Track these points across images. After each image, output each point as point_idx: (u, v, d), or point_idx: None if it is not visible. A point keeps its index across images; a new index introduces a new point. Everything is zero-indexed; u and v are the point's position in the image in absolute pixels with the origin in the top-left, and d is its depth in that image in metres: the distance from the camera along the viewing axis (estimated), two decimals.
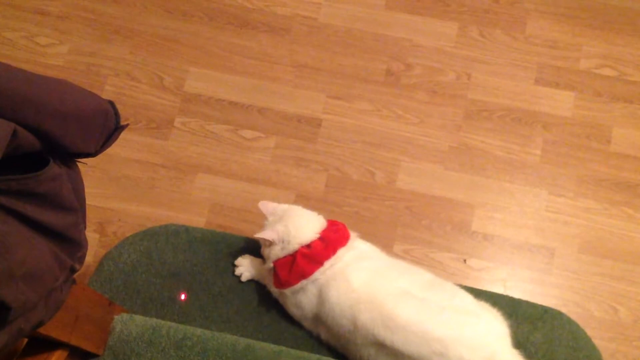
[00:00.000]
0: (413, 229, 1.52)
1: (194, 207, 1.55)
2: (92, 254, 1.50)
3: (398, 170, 1.56)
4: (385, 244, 1.51)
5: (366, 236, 1.48)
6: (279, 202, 1.45)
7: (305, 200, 1.54)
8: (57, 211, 0.94)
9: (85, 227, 1.07)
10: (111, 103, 1.00)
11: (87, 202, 1.48)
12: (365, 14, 1.68)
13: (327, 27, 1.68)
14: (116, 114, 0.98)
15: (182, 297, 1.33)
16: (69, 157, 0.99)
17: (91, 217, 1.53)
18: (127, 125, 1.06)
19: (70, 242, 0.99)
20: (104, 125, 0.97)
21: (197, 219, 1.54)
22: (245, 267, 1.34)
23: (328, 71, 1.64)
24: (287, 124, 1.61)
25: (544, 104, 1.59)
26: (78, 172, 1.03)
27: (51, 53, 1.66)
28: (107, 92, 1.63)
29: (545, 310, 1.33)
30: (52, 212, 0.93)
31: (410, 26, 1.67)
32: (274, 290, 1.26)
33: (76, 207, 0.99)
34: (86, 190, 1.33)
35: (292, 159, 1.58)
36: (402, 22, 1.67)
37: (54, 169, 0.89)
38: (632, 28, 1.64)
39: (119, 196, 1.55)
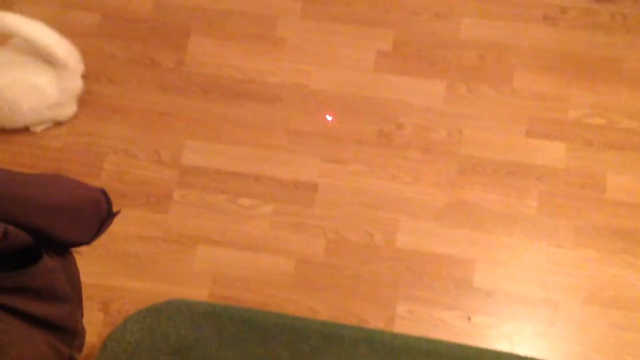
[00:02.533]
0: (415, 288, 1.51)
1: (197, 279, 1.55)
2: (97, 334, 1.49)
3: (396, 230, 1.56)
4: (387, 306, 1.49)
5: (368, 299, 1.47)
6: (279, 271, 1.45)
7: (305, 265, 1.54)
8: (52, 303, 0.94)
9: (82, 315, 1.07)
10: (102, 191, 1.01)
11: (90, 281, 1.48)
12: (354, 77, 1.71)
13: (318, 93, 1.70)
14: (108, 201, 1.00)
15: None
16: (63, 247, 1.00)
17: (94, 296, 1.53)
18: (119, 212, 1.07)
19: (67, 332, 0.99)
20: (96, 215, 0.98)
21: (200, 292, 1.53)
22: None
23: (321, 135, 1.66)
24: (284, 190, 1.61)
25: (537, 156, 1.60)
26: (73, 261, 1.04)
27: (50, 135, 1.68)
28: (106, 171, 1.65)
29: None
30: (48, 304, 0.93)
31: (399, 87, 1.69)
32: None
33: (71, 297, 0.99)
34: (88, 269, 1.34)
35: (291, 225, 1.58)
36: (390, 83, 1.69)
37: (47, 262, 0.90)
38: (617, 76, 1.65)
39: (122, 273, 1.55)
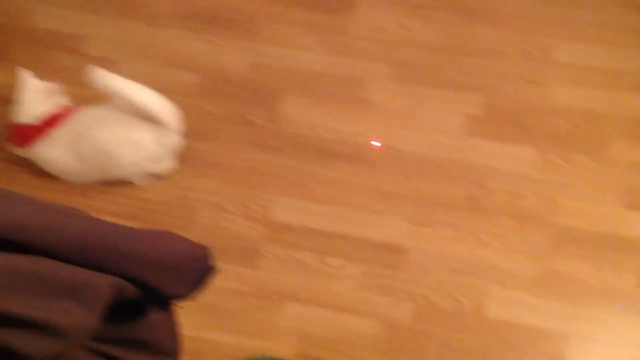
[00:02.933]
0: None
1: (283, 337, 1.56)
2: None
3: (487, 298, 1.53)
4: None
5: None
6: (365, 333, 1.44)
7: (392, 329, 1.53)
8: (156, 356, 0.96)
9: None
10: (205, 248, 1.05)
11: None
12: (443, 141, 1.71)
13: (407, 155, 1.71)
14: (210, 258, 1.03)
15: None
16: (166, 301, 1.03)
17: (184, 347, 1.56)
18: (219, 268, 1.10)
19: None
20: (200, 271, 1.02)
21: (285, 349, 1.54)
22: None
23: (410, 198, 1.66)
24: (372, 252, 1.62)
25: (635, 228, 1.55)
26: (174, 315, 1.07)
27: (148, 188, 1.75)
28: (200, 223, 1.70)
29: None
30: (152, 357, 0.95)
31: (490, 152, 1.68)
32: None
33: (175, 351, 1.01)
34: (178, 318, 1.36)
35: (378, 287, 1.58)
36: (481, 148, 1.69)
37: (153, 315, 0.93)
38: None
39: (210, 325, 1.58)
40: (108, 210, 1.73)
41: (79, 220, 0.89)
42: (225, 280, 1.62)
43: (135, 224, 1.65)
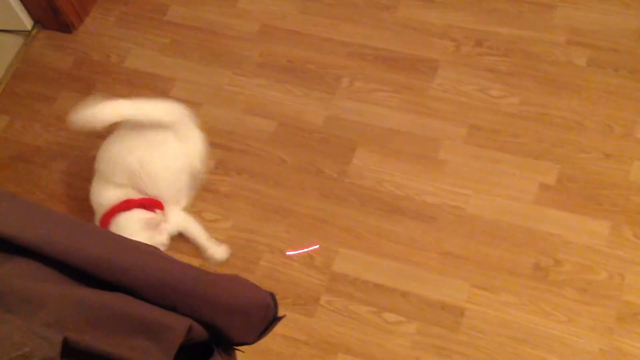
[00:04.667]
0: None
1: None
2: None
3: None
4: None
5: None
6: None
7: None
8: None
9: None
10: (272, 296, 1.14)
11: None
12: (513, 207, 1.79)
13: (475, 218, 1.79)
14: (276, 305, 1.12)
15: None
16: (230, 345, 1.12)
17: None
18: (284, 316, 1.19)
19: None
20: (265, 317, 1.11)
21: None
22: None
23: (473, 261, 1.73)
24: (430, 311, 1.69)
25: None
26: (235, 359, 1.16)
27: (215, 227, 1.89)
28: (261, 267, 1.81)
29: None
30: None
31: (559, 222, 1.74)
32: None
33: None
34: None
35: (433, 347, 1.64)
36: (551, 217, 1.75)
37: (217, 358, 1.02)
38: None
39: None
40: (175, 248, 1.88)
41: (159, 260, 0.99)
42: (281, 325, 1.70)
43: (197, 263, 1.79)
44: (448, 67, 2.04)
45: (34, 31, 2.32)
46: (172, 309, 0.90)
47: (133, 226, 1.68)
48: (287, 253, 1.80)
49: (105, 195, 1.74)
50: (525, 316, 1.62)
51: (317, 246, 1.79)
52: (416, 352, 1.63)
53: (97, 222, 1.73)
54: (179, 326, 0.85)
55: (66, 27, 2.27)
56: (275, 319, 1.13)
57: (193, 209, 1.91)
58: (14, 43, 2.29)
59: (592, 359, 1.55)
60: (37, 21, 2.31)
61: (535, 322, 1.61)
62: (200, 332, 0.95)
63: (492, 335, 1.61)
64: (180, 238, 1.84)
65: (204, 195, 1.93)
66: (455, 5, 2.15)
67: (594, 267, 1.65)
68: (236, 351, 1.15)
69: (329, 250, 1.80)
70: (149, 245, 1.00)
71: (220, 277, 1.04)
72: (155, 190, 1.75)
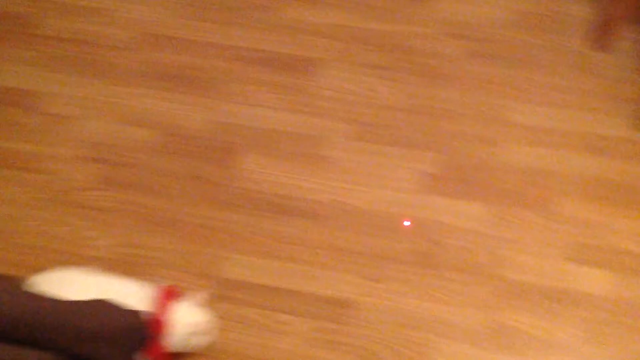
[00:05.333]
0: None
1: None
2: None
3: (434, 352, 1.64)
4: None
5: None
6: None
7: None
8: None
9: None
10: (140, 316, 1.14)
11: None
12: (396, 197, 1.86)
13: (359, 211, 1.85)
14: (145, 326, 1.13)
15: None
16: None
17: None
18: (157, 336, 1.19)
19: None
20: (134, 340, 1.11)
21: None
22: None
23: (361, 253, 1.79)
24: (321, 307, 1.73)
25: (581, 283, 1.67)
26: None
27: (95, 245, 1.87)
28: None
29: None
30: None
31: (441, 208, 1.82)
32: None
33: None
34: None
35: (327, 343, 1.68)
36: (433, 204, 1.83)
37: None
38: None
39: None
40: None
41: (14, 297, 0.98)
42: None
43: None
44: (330, 65, 2.10)
45: None
46: (32, 344, 0.90)
47: None
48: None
49: None
50: (412, 302, 1.69)
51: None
52: (310, 350, 1.66)
53: None
54: None
55: None
56: (146, 340, 1.13)
57: (67, 227, 1.88)
58: None
59: (476, 336, 1.63)
60: None
61: (422, 307, 1.68)
62: None
63: (382, 324, 1.67)
64: None
65: (87, 213, 1.91)
66: (335, 4, 2.22)
67: (473, 248, 1.74)
68: None
69: (218, 257, 1.82)
70: (2, 281, 0.98)
71: (83, 305, 1.04)
72: None
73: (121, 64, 2.15)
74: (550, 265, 1.69)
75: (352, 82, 2.06)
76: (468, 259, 1.72)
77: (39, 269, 1.52)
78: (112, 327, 1.06)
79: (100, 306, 1.10)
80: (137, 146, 2.01)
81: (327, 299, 1.72)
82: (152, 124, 2.04)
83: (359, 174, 1.89)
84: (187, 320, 1.55)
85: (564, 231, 1.73)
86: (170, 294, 1.56)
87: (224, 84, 2.09)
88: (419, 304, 1.68)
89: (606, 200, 1.76)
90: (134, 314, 1.13)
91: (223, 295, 1.75)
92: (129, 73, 2.13)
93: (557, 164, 1.83)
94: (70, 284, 1.43)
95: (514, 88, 2.01)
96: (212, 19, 2.22)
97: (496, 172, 1.84)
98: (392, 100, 2.00)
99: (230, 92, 2.07)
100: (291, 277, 1.76)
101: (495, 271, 1.70)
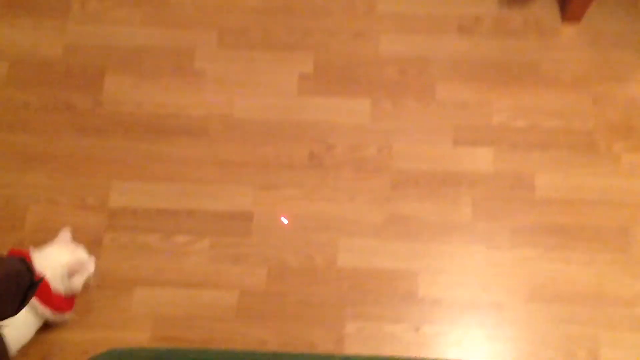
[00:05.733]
0: (361, 306, 1.63)
1: (137, 323, 1.62)
2: None
3: (336, 250, 1.68)
4: (336, 326, 1.60)
5: (316, 322, 1.59)
6: (221, 304, 1.55)
7: (249, 295, 1.63)
8: None
9: None
10: (22, 260, 1.07)
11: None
12: (278, 103, 1.84)
13: (244, 121, 1.82)
14: (30, 270, 1.05)
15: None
16: None
17: (31, 351, 1.57)
18: (42, 279, 1.12)
19: None
20: (19, 287, 1.03)
21: (141, 335, 1.60)
22: None
23: (252, 164, 1.77)
24: (219, 223, 1.71)
25: (466, 163, 1.76)
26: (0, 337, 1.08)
27: None
28: (29, 222, 1.70)
29: None
30: None
31: (324, 108, 1.83)
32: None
33: None
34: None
35: (230, 257, 1.68)
36: (316, 105, 1.83)
37: None
38: (535, 78, 1.84)
39: (57, 325, 1.61)
40: None
41: None
42: None
43: None
44: None
45: None
46: None
47: None
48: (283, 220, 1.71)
49: None
50: (310, 205, 1.71)
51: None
52: (214, 266, 1.66)
53: None
54: None
55: None
56: (33, 285, 1.06)
57: None
58: None
59: (377, 229, 1.68)
60: None
61: (321, 209, 1.70)
62: None
63: (282, 231, 1.68)
64: None
65: None
66: None
67: (363, 144, 1.77)
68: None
69: (100, 187, 1.74)
70: None
71: None
72: None
73: None
74: (436, 150, 1.76)
75: None
76: (360, 155, 1.75)
77: None
78: None
79: None
80: None
81: (225, 214, 1.70)
82: (0, 54, 1.87)
83: (236, 84, 1.85)
84: (59, 261, 1.52)
85: (445, 115, 1.79)
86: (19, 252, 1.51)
87: (72, 3, 1.94)
88: (317, 206, 1.70)
89: (481, 79, 1.83)
90: (17, 261, 1.06)
91: (113, 224, 1.69)
92: None
93: (431, 49, 1.87)
94: None
95: None
96: None
97: (373, 65, 1.86)
98: (256, 2, 1.94)
99: (81, 11, 1.93)
100: (184, 197, 1.72)
101: (385, 163, 1.74)
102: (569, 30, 1.87)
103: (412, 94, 1.81)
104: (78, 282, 1.53)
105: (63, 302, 1.53)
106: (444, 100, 1.80)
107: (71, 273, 1.51)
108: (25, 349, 1.55)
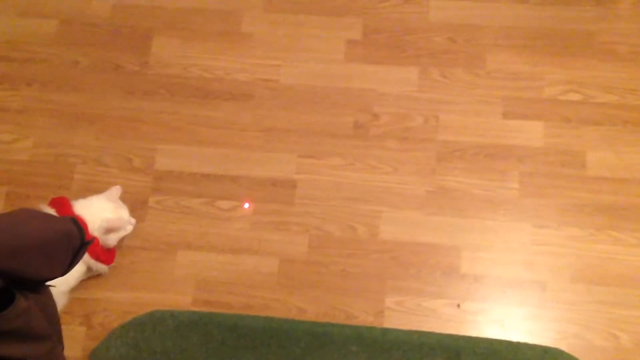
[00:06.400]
0: (402, 279, 1.58)
1: (179, 286, 1.60)
2: (81, 348, 1.53)
3: (379, 221, 1.62)
4: (376, 299, 1.56)
5: (355, 294, 1.54)
6: (262, 271, 1.51)
7: (289, 263, 1.59)
8: (30, 343, 0.95)
9: (63, 348, 1.10)
10: (73, 221, 1.03)
11: (69, 294, 1.52)
12: (325, 69, 1.76)
13: (289, 88, 1.75)
14: (80, 230, 1.01)
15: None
16: (37, 284, 1.01)
17: (75, 310, 1.57)
18: (92, 240, 1.09)
19: None
20: (68, 247, 1.00)
21: (182, 298, 1.58)
22: None
23: (296, 131, 1.71)
24: (262, 190, 1.67)
25: (515, 136, 1.67)
26: (48, 295, 1.06)
27: (16, 148, 1.72)
28: (77, 181, 1.68)
29: (545, 350, 1.38)
30: (25, 345, 0.94)
31: (371, 76, 1.75)
32: None
33: (49, 333, 1.00)
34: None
35: (272, 224, 1.64)
36: (363, 73, 1.75)
37: (20, 303, 0.91)
38: (590, 50, 1.73)
39: (101, 285, 1.59)
40: None
41: None
42: None
43: (3, 189, 1.63)
44: None
45: None
46: None
47: None
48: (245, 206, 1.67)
49: None
50: (353, 175, 1.65)
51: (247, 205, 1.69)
52: (255, 233, 1.62)
53: None
54: None
55: None
56: (83, 244, 1.03)
57: None
58: None
59: (420, 202, 1.62)
60: None
61: (364, 179, 1.64)
62: None
63: (325, 200, 1.63)
64: None
65: None
66: None
67: (409, 114, 1.69)
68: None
69: (147, 149, 1.71)
70: None
71: (1, 218, 0.92)
72: None
73: None
74: (484, 123, 1.67)
75: None
76: (405, 126, 1.68)
77: None
78: (41, 237, 0.95)
79: (22, 215, 0.99)
80: (38, 39, 1.81)
81: (268, 181, 1.65)
82: (49, 12, 1.84)
83: (283, 49, 1.78)
84: (101, 214, 1.50)
85: (495, 86, 1.70)
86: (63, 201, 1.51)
87: None
88: (362, 177, 1.64)
89: (534, 50, 1.74)
90: (67, 221, 1.03)
91: (159, 187, 1.67)
92: None
93: (482, 16, 1.78)
94: None
95: None
96: None
97: (422, 32, 1.77)
98: None
99: None
100: (228, 163, 1.68)
101: (433, 135, 1.67)
102: (627, 1, 1.74)
103: (461, 63, 1.72)
104: (113, 239, 1.52)
105: (104, 254, 1.51)
106: (494, 70, 1.71)
107: (110, 229, 1.48)
108: (69, 307, 1.55)
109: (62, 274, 1.04)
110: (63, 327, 1.15)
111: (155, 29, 1.82)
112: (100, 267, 1.53)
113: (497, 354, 1.39)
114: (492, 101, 1.70)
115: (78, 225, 1.06)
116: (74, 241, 1.03)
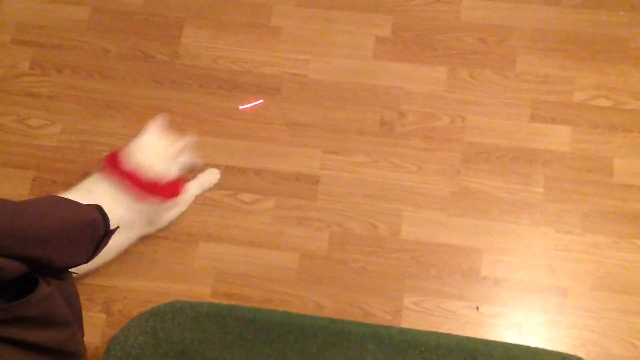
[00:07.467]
0: (422, 279, 1.52)
1: (199, 277, 1.56)
2: (100, 335, 1.51)
3: (401, 220, 1.57)
4: (394, 298, 1.51)
5: (374, 292, 1.49)
6: (282, 266, 1.46)
7: (310, 259, 1.55)
8: (51, 329, 0.93)
9: (83, 335, 1.07)
10: (99, 209, 1.00)
11: (90, 281, 1.49)
12: (353, 65, 1.71)
13: (317, 83, 1.70)
14: (105, 218, 0.98)
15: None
16: (60, 271, 0.99)
17: (96, 297, 1.54)
18: (117, 229, 1.06)
19: (68, 356, 0.99)
20: (93, 235, 0.98)
21: (202, 289, 1.55)
22: None
23: (321, 126, 1.66)
24: (285, 184, 1.62)
25: (542, 140, 1.60)
26: (71, 282, 1.03)
27: (44, 134, 1.69)
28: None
29: (563, 357, 1.32)
30: (47, 331, 0.93)
31: (399, 74, 1.69)
32: None
33: (70, 320, 0.98)
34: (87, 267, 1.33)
35: (293, 219, 1.59)
36: (391, 70, 1.69)
37: (43, 289, 0.89)
38: (622, 56, 1.65)
39: (122, 273, 1.56)
40: (2, 161, 1.66)
41: None
42: None
43: (30, 174, 1.60)
44: None
45: None
46: None
47: None
48: (240, 107, 1.62)
49: None
50: (377, 172, 1.60)
51: (261, 100, 1.63)
52: (277, 227, 1.57)
53: None
54: None
55: None
56: (107, 233, 1.00)
57: (13, 117, 1.68)
58: None
59: (443, 202, 1.56)
60: None
61: (388, 177, 1.59)
62: (14, 268, 0.83)
63: (348, 197, 1.58)
64: None
65: (25, 101, 1.71)
66: None
67: (435, 114, 1.63)
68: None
69: None
70: None
71: (28, 204, 0.90)
72: None
73: None
74: (511, 125, 1.61)
75: None
76: (431, 125, 1.62)
77: None
78: (66, 224, 0.93)
79: (50, 202, 0.96)
80: (70, 25, 1.78)
81: (291, 176, 1.61)
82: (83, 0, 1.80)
83: (312, 44, 1.73)
84: (159, 144, 1.48)
85: (524, 89, 1.64)
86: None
87: None
88: (385, 175, 1.59)
89: (565, 53, 1.67)
90: (92, 209, 0.99)
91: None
92: None
93: (514, 18, 1.71)
94: None
95: None
96: None
97: (454, 32, 1.71)
98: None
99: None
100: (253, 156, 1.63)
101: (459, 135, 1.61)
102: None
103: (490, 64, 1.65)
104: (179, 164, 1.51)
105: (167, 188, 1.45)
106: (524, 72, 1.64)
107: (176, 154, 1.48)
108: (90, 294, 1.52)
109: (85, 262, 1.02)
110: (83, 313, 1.12)
111: (185, 18, 1.78)
112: (172, 202, 1.50)
113: (515, 358, 1.34)
114: (520, 104, 1.63)
115: (103, 212, 1.03)
116: (98, 229, 1.01)
